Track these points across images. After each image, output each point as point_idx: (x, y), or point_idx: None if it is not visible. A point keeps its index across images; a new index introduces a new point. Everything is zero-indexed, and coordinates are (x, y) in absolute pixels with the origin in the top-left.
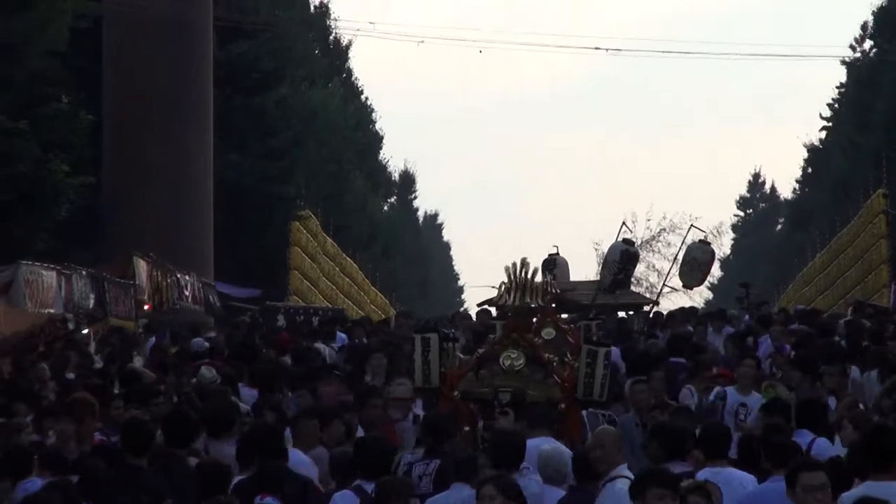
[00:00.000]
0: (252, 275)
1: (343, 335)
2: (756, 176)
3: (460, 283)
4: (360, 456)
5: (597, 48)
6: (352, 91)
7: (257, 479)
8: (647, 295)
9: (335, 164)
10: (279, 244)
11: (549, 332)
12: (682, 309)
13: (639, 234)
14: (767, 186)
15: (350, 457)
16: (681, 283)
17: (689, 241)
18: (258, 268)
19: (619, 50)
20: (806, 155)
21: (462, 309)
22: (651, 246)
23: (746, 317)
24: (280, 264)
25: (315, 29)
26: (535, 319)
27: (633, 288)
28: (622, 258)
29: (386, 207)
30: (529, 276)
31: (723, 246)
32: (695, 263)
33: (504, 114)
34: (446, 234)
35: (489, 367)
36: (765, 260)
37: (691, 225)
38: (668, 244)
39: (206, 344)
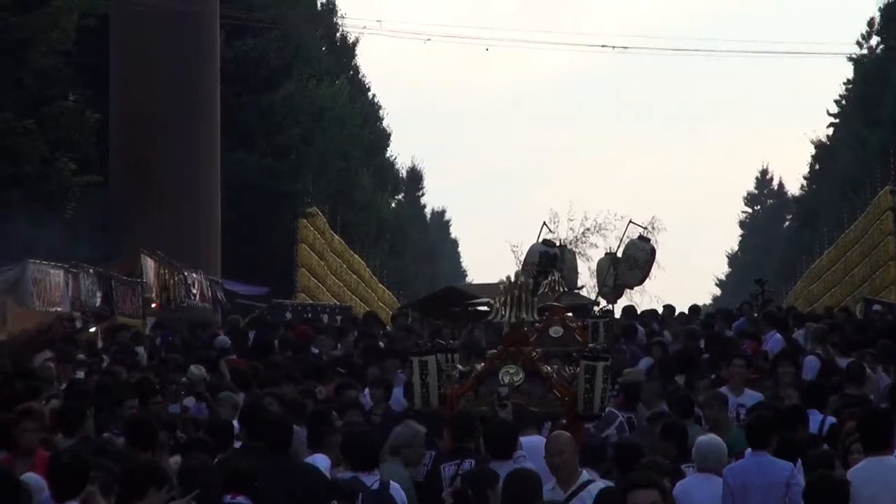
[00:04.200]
0: (259, 272)
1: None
2: (764, 172)
3: (468, 279)
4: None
5: (604, 46)
6: (359, 88)
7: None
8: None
9: (342, 162)
10: (286, 241)
11: (556, 331)
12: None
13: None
14: (775, 183)
15: None
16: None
17: (627, 238)
18: (265, 265)
19: (627, 48)
20: (813, 151)
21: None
22: (577, 247)
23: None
24: (287, 262)
25: (322, 26)
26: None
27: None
28: (541, 260)
29: (393, 204)
30: (524, 290)
31: (658, 243)
32: (633, 262)
33: (511, 111)
34: (454, 231)
35: (488, 385)
36: (772, 257)
37: (630, 221)
38: (594, 245)
39: (229, 341)
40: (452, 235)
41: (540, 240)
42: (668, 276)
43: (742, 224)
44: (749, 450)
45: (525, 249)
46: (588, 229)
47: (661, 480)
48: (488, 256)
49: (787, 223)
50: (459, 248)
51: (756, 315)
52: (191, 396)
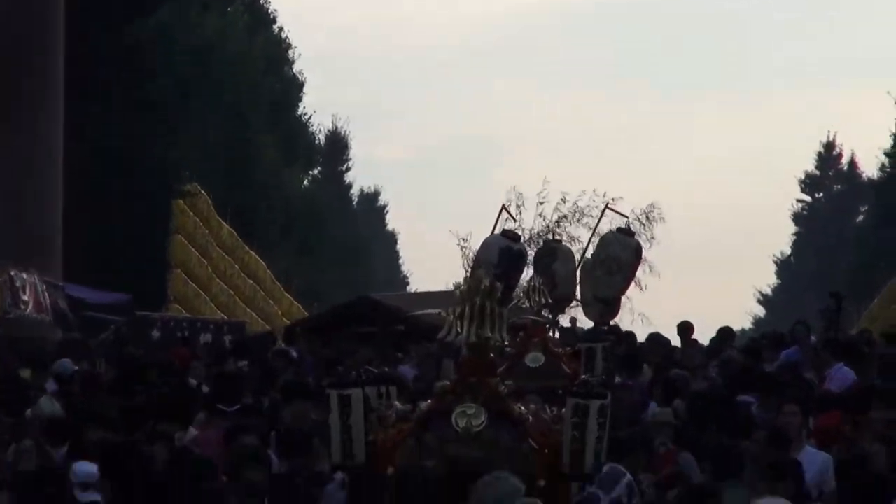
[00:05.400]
0: (117, 274)
1: None
2: (828, 146)
3: (410, 288)
4: None
5: None
6: (260, 19)
7: None
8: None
9: (236, 122)
10: (155, 232)
11: (535, 358)
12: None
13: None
14: (844, 160)
15: None
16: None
17: (602, 230)
18: (126, 264)
19: None
20: None
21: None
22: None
23: (813, 339)
24: (157, 260)
25: None
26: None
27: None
28: (501, 259)
29: (306, 182)
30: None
31: (653, 239)
32: (612, 263)
33: (472, 56)
34: (391, 221)
35: (437, 430)
36: (840, 263)
37: (606, 205)
38: (575, 238)
39: (75, 367)
40: (389, 227)
41: (499, 230)
42: (677, 288)
43: (797, 218)
44: None
45: (477, 243)
46: (564, 216)
47: None
48: (439, 255)
49: (860, 217)
50: (398, 245)
51: (816, 342)
52: None
